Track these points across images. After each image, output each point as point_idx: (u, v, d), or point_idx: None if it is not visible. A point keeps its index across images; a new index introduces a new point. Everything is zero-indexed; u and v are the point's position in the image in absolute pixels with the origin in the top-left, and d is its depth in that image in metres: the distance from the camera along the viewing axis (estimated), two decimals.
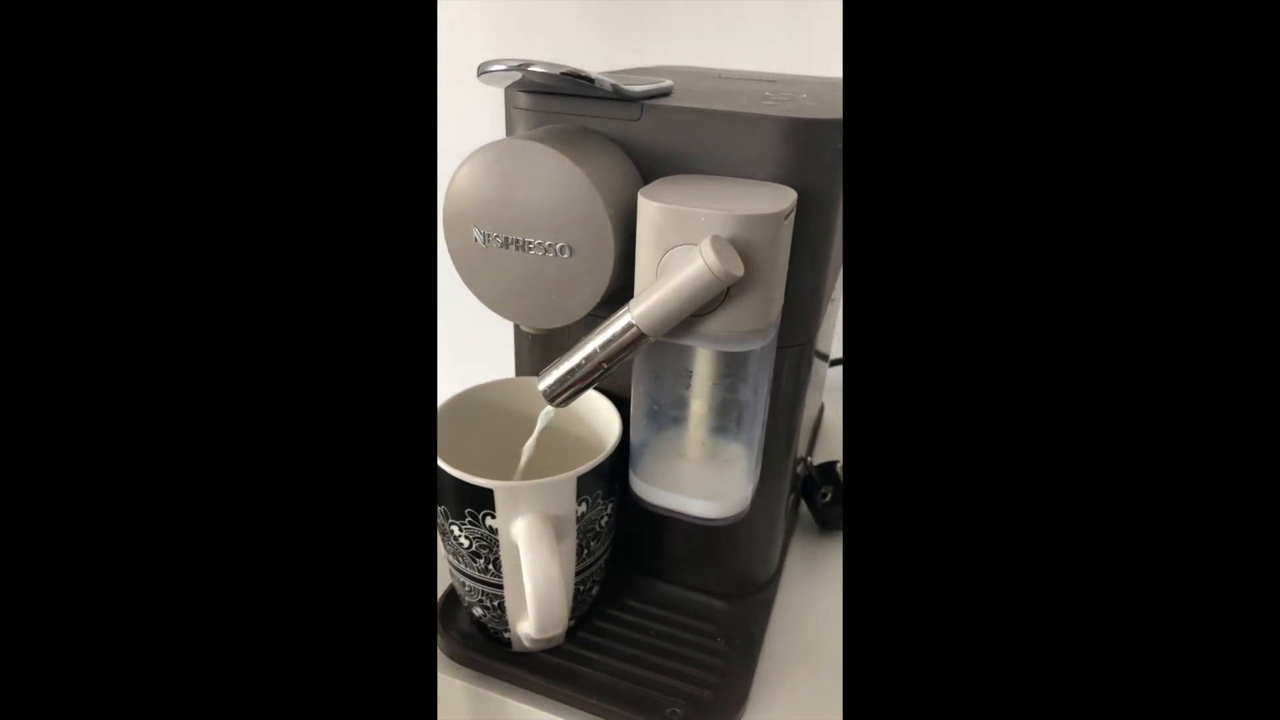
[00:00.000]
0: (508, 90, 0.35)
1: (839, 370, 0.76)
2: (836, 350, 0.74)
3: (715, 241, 0.27)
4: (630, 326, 0.28)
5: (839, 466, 0.52)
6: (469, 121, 0.49)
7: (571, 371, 0.30)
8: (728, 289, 0.28)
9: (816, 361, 0.42)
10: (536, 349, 0.42)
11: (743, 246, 0.28)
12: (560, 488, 0.34)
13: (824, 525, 0.52)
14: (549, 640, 0.37)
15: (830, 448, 0.63)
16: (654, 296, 0.28)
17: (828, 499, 0.51)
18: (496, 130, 0.36)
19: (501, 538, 0.34)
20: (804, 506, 0.53)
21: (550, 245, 0.31)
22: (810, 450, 0.59)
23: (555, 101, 0.34)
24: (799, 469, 0.47)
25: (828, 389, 0.72)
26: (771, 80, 0.47)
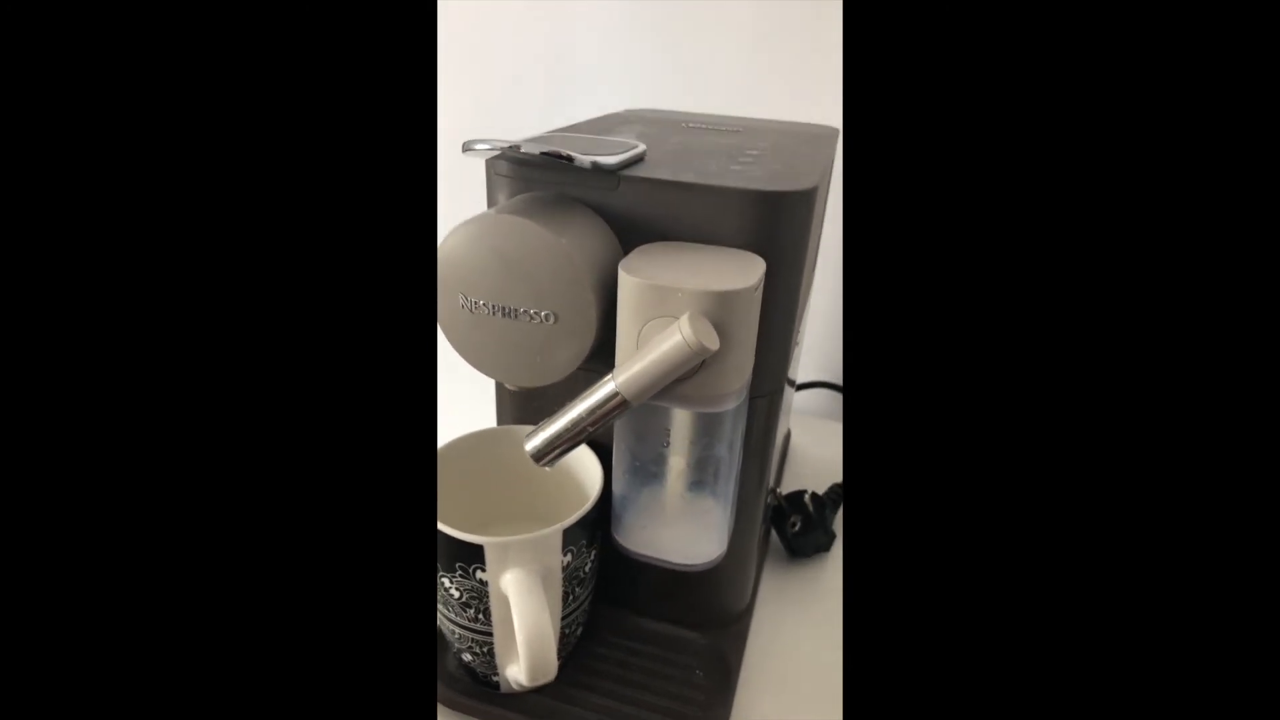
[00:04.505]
0: (489, 159, 0.37)
1: (805, 394, 0.78)
2: (804, 375, 0.76)
3: (693, 318, 0.29)
4: (614, 395, 0.30)
5: (807, 496, 0.54)
6: (450, 180, 0.50)
7: (558, 435, 0.32)
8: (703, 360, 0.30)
9: (785, 389, 0.44)
10: (518, 399, 0.43)
11: (717, 320, 0.29)
12: (547, 541, 0.35)
13: (794, 554, 0.54)
14: (538, 685, 0.38)
15: (797, 475, 0.65)
16: (635, 367, 0.30)
17: (796, 528, 0.53)
18: (476, 184, 0.37)
19: (491, 589, 0.35)
20: (774, 535, 0.55)
21: (535, 313, 0.32)
22: (779, 480, 0.61)
23: (536, 170, 0.36)
24: (768, 499, 0.49)
25: (795, 413, 0.74)
26: (737, 131, 0.50)
